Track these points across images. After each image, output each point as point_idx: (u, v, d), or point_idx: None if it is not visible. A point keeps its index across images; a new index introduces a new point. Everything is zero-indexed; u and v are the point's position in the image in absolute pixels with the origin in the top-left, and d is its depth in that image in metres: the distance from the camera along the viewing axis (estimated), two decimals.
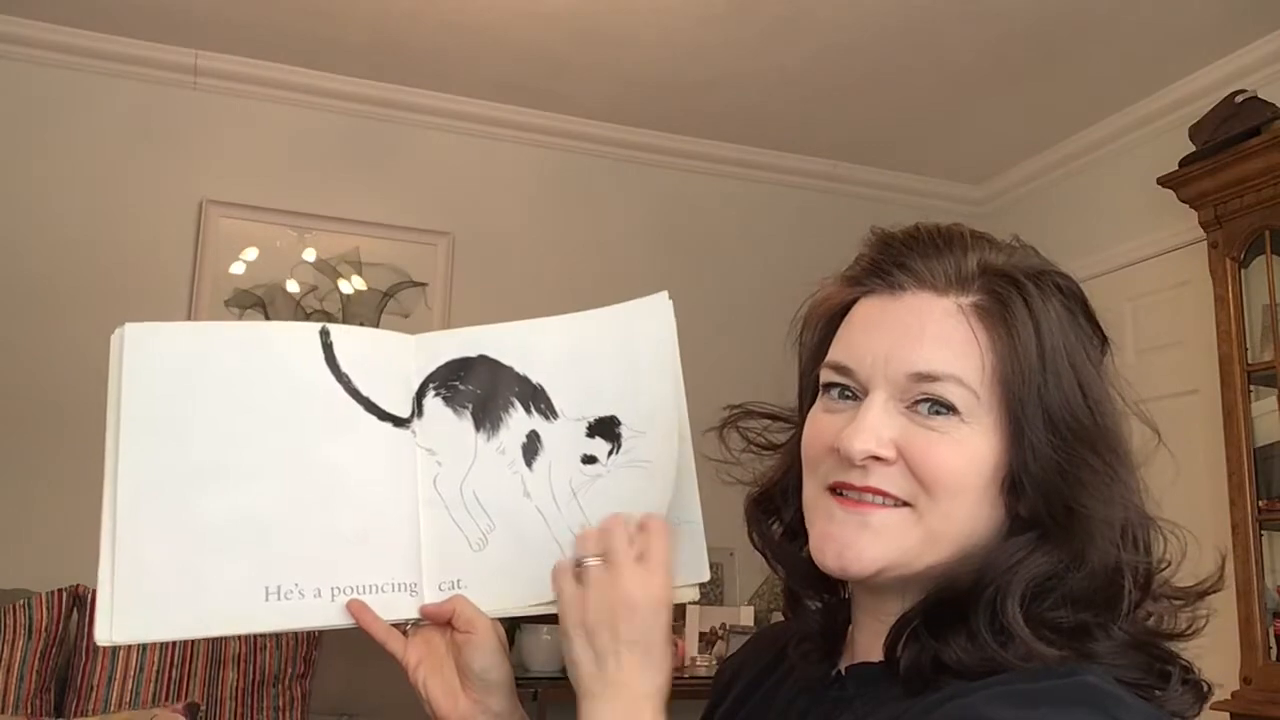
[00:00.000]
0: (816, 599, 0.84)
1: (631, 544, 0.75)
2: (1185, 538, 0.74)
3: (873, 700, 0.73)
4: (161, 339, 0.86)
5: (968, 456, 0.71)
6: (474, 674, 0.84)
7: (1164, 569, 0.72)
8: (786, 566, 0.84)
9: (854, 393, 0.75)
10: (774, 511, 0.85)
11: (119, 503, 0.83)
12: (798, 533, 0.80)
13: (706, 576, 0.89)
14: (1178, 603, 0.72)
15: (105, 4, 3.17)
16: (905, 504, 0.72)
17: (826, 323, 0.80)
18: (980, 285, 0.73)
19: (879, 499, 0.72)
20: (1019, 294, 0.72)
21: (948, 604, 0.71)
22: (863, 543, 0.72)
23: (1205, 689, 0.71)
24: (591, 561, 0.75)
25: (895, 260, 0.75)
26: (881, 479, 0.72)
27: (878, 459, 0.71)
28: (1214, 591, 0.74)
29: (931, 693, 0.68)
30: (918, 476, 0.71)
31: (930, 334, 0.72)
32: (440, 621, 0.86)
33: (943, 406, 0.71)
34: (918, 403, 0.72)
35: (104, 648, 2.68)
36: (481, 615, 0.86)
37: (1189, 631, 0.72)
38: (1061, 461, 0.70)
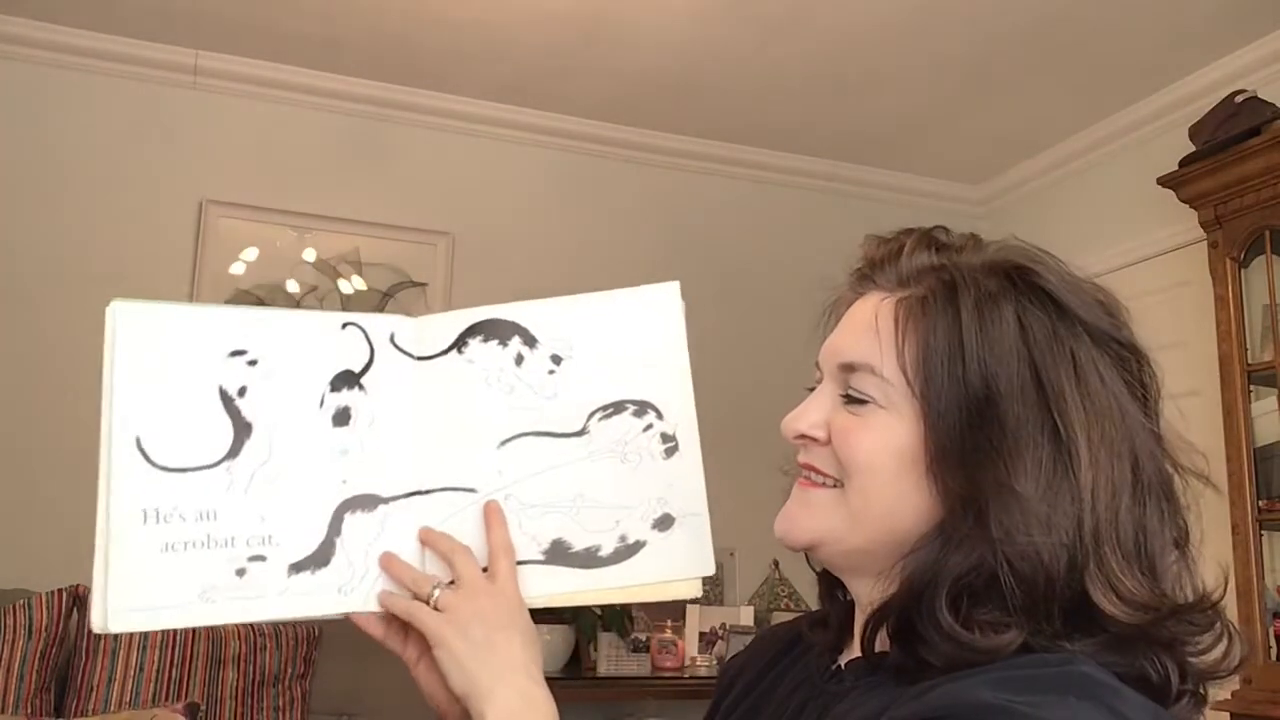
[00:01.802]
0: (846, 593, 0.85)
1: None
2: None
3: (868, 690, 0.74)
4: (154, 319, 0.86)
5: (879, 441, 0.74)
6: None
7: (1085, 554, 0.69)
8: None
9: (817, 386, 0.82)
10: None
11: (114, 488, 0.82)
12: None
13: (711, 570, 0.89)
14: (1173, 610, 0.69)
15: (105, 4, 3.18)
16: (836, 483, 0.77)
17: (835, 323, 0.85)
18: (920, 283, 0.77)
19: (816, 477, 0.78)
20: (947, 287, 0.75)
21: (899, 616, 0.72)
22: (798, 516, 0.79)
23: (1204, 681, 0.71)
24: (438, 592, 0.83)
25: (866, 264, 0.82)
26: (814, 457, 0.78)
27: (811, 439, 0.78)
28: (1213, 604, 0.72)
29: (925, 681, 0.68)
30: (838, 458, 0.76)
31: (857, 328, 0.78)
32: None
33: (861, 394, 0.76)
34: (848, 390, 0.77)
35: (104, 647, 2.70)
36: None
37: (1187, 642, 0.70)
38: (967, 451, 0.70)
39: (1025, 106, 3.62)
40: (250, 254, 3.49)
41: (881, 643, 0.74)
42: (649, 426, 0.89)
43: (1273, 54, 3.15)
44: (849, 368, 0.77)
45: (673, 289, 0.92)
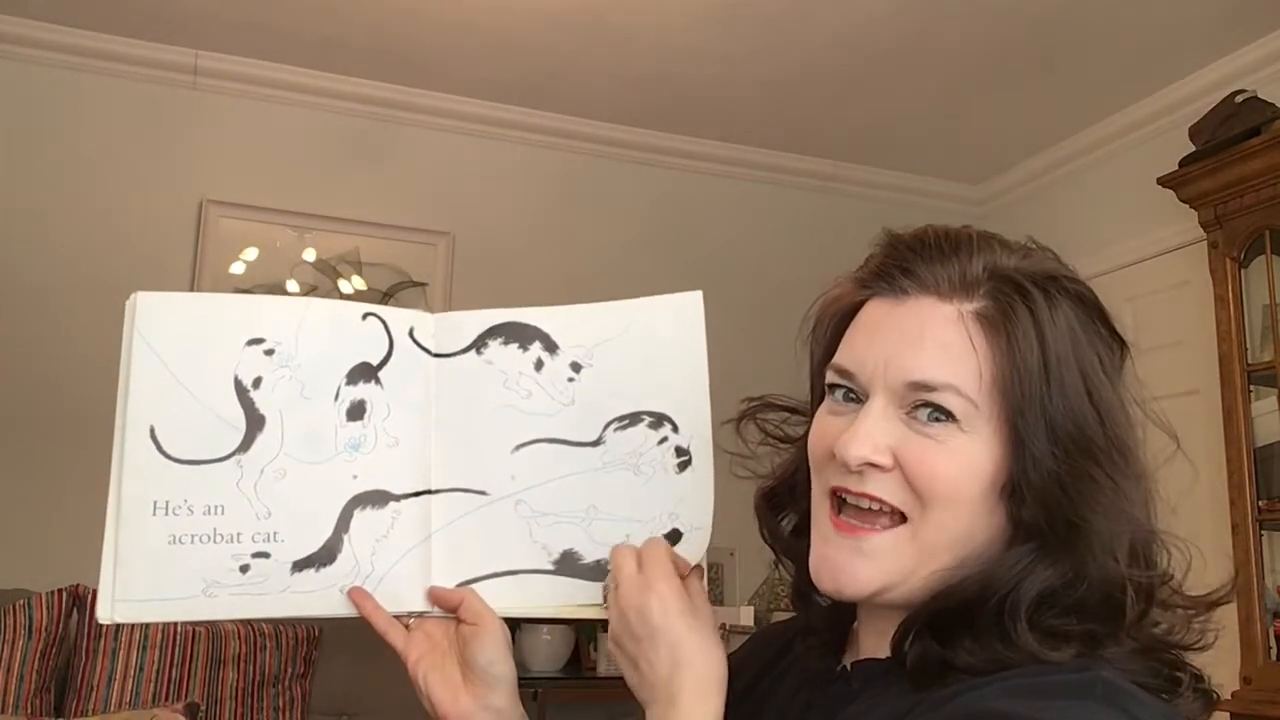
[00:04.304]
0: (825, 596, 0.84)
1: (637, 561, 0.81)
2: (1190, 551, 0.73)
3: (878, 694, 0.73)
4: (175, 308, 0.86)
5: (964, 465, 0.70)
6: (479, 668, 0.85)
7: (1168, 583, 0.72)
8: (796, 563, 0.84)
9: (857, 395, 0.75)
10: (783, 507, 0.85)
11: (125, 478, 0.82)
12: (806, 530, 0.80)
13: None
14: (1190, 612, 0.71)
15: (105, 4, 3.17)
16: (900, 517, 0.72)
17: (837, 322, 0.79)
18: (985, 291, 0.72)
19: (875, 506, 0.72)
20: (1023, 301, 0.71)
21: (953, 610, 0.70)
22: (856, 567, 0.72)
23: (1214, 698, 0.71)
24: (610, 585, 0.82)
25: (900, 264, 0.74)
26: (877, 486, 0.72)
27: (874, 465, 0.71)
28: (1224, 603, 0.73)
29: (939, 688, 0.68)
30: (913, 485, 0.71)
31: (929, 342, 0.71)
32: (449, 607, 0.87)
33: (941, 413, 0.70)
34: (917, 408, 0.71)
35: (104, 647, 2.70)
36: (489, 609, 0.86)
37: (1198, 644, 0.71)
38: (1062, 474, 0.69)
39: (1025, 106, 3.62)
40: (250, 254, 3.49)
41: (890, 645, 0.74)
42: (664, 439, 0.88)
43: (1273, 54, 3.15)
44: (923, 386, 0.70)
45: (695, 299, 0.90)
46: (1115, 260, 3.54)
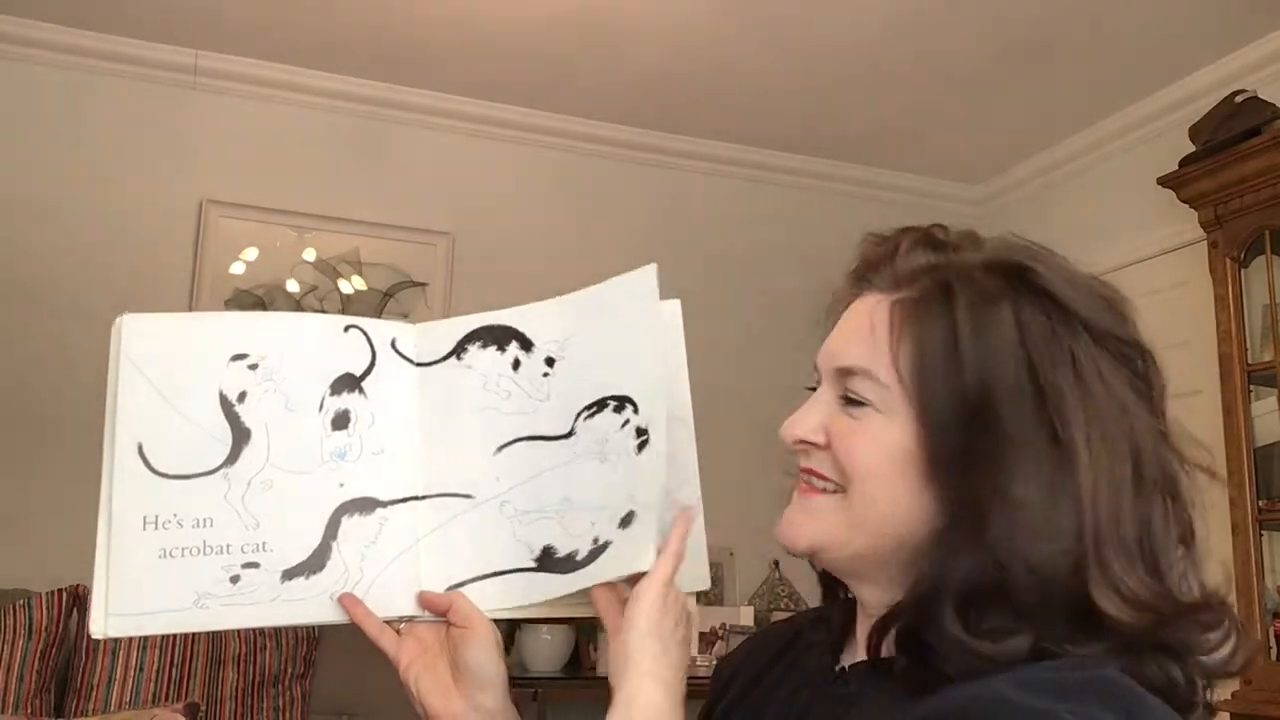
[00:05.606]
0: (847, 591, 0.84)
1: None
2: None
3: (876, 697, 0.74)
4: (160, 329, 0.86)
5: (878, 445, 0.74)
6: (469, 670, 0.85)
7: (1145, 581, 0.68)
8: None
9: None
10: None
11: (115, 495, 0.83)
12: None
13: (706, 585, 0.88)
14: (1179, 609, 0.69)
15: (105, 4, 3.18)
16: (839, 488, 0.76)
17: (832, 320, 0.83)
18: (920, 284, 0.75)
19: (818, 482, 0.77)
20: (942, 288, 0.73)
21: (905, 621, 0.71)
22: (800, 522, 0.78)
23: (1212, 704, 0.70)
24: None
25: (865, 263, 0.80)
26: (815, 462, 0.78)
27: (811, 444, 0.78)
28: (1221, 602, 0.71)
29: (938, 688, 0.68)
30: (838, 463, 0.76)
31: (852, 331, 0.77)
32: (438, 611, 0.87)
33: (858, 400, 0.75)
34: (846, 392, 0.76)
35: (104, 647, 2.70)
36: (478, 612, 0.87)
37: (1194, 645, 0.69)
38: (970, 455, 0.69)
39: (1025, 106, 3.62)
40: (250, 254, 3.49)
41: (888, 648, 0.73)
42: (626, 422, 0.86)
43: (1273, 54, 3.15)
44: (846, 372, 0.76)
45: (648, 272, 0.89)
46: (1115, 260, 3.53)
